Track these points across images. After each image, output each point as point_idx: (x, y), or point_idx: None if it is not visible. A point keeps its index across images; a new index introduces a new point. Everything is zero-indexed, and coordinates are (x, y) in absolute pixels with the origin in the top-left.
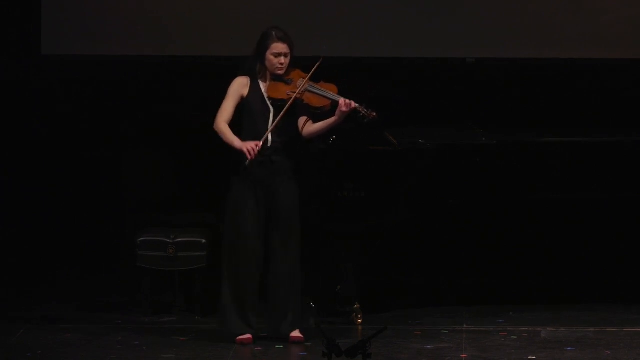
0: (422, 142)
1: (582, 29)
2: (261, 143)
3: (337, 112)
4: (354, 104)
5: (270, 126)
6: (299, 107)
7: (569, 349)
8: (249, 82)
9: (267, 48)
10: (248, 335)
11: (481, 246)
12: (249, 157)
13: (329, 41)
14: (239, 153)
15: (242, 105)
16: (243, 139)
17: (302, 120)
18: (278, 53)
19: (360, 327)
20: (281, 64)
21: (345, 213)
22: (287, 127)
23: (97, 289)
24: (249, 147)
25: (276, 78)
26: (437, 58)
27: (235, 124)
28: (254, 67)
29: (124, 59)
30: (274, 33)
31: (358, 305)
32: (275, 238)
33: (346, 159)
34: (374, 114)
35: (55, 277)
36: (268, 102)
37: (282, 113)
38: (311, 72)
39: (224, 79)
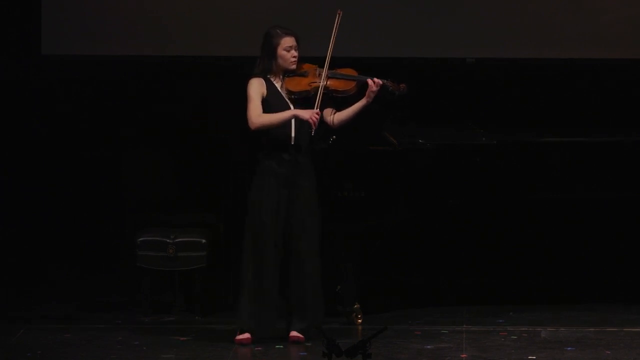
0: (422, 142)
1: (582, 29)
2: (318, 110)
3: (367, 93)
4: (381, 81)
5: (316, 105)
6: (325, 96)
7: (569, 349)
8: (264, 82)
9: (277, 45)
10: (247, 335)
11: (481, 246)
12: (314, 126)
13: (329, 41)
14: (265, 150)
15: (262, 105)
16: (266, 139)
17: (327, 111)
18: (289, 46)
19: (360, 327)
20: (294, 57)
21: (345, 213)
22: (308, 126)
23: (97, 289)
24: (314, 116)
25: (289, 74)
26: (437, 58)
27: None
28: (267, 68)
29: (124, 59)
30: (278, 30)
31: (358, 305)
32: (299, 239)
33: (346, 159)
34: (403, 85)
35: (55, 277)
36: (287, 99)
37: (318, 101)
38: (330, 50)
39: (224, 79)
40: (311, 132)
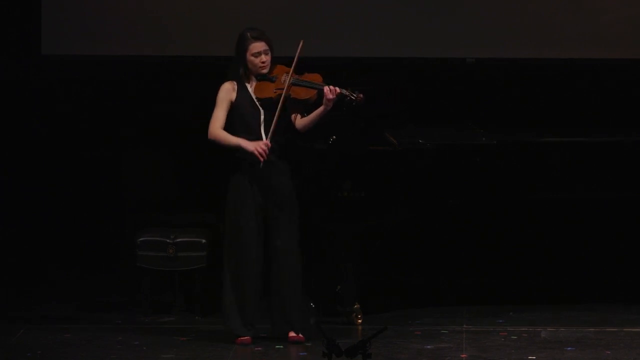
0: (422, 142)
1: (582, 29)
2: (269, 142)
3: (324, 100)
4: (338, 90)
5: (272, 127)
6: (289, 103)
7: (569, 349)
8: (236, 86)
9: (245, 50)
10: (247, 337)
11: (481, 246)
12: (261, 159)
13: (329, 41)
14: (238, 154)
15: (232, 110)
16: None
17: (293, 115)
18: (257, 52)
19: (360, 327)
20: (263, 62)
21: (345, 213)
22: (280, 126)
23: (97, 289)
24: (260, 148)
25: (260, 77)
26: (437, 58)
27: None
28: (238, 71)
29: (124, 59)
30: (248, 34)
31: (358, 305)
32: (276, 239)
33: (346, 159)
34: (361, 95)
35: (55, 277)
36: (257, 104)
37: (277, 112)
38: (293, 64)
39: (224, 79)
40: (260, 164)
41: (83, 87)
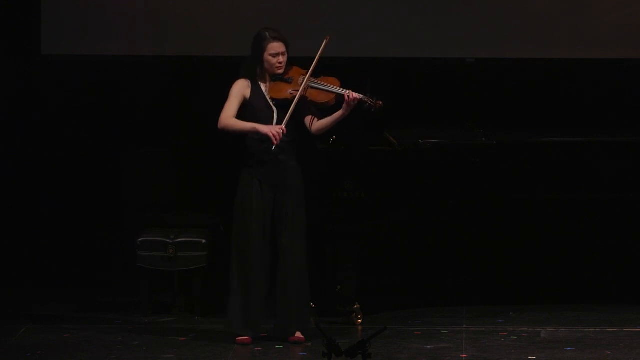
0: (422, 142)
1: (582, 29)
2: (284, 127)
3: (344, 106)
4: (359, 96)
5: (287, 116)
6: (303, 105)
7: (569, 349)
8: (250, 84)
9: (263, 50)
10: (247, 337)
11: (481, 246)
12: (274, 142)
13: (328, 42)
14: (248, 150)
15: (245, 108)
16: (248, 141)
17: (308, 118)
18: (275, 53)
19: (360, 327)
20: (280, 62)
21: (346, 213)
22: (291, 127)
23: (97, 289)
24: (275, 131)
25: (276, 78)
26: (437, 58)
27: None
28: (253, 71)
29: (124, 59)
30: (267, 34)
31: (358, 305)
32: (283, 237)
33: (346, 159)
34: (380, 102)
35: (55, 277)
36: (271, 103)
37: (290, 112)
38: (312, 67)
39: (225, 79)
40: (273, 146)
41: (83, 87)
